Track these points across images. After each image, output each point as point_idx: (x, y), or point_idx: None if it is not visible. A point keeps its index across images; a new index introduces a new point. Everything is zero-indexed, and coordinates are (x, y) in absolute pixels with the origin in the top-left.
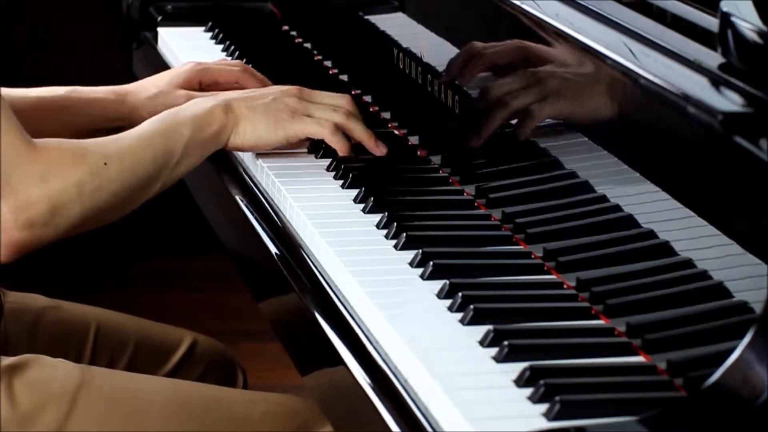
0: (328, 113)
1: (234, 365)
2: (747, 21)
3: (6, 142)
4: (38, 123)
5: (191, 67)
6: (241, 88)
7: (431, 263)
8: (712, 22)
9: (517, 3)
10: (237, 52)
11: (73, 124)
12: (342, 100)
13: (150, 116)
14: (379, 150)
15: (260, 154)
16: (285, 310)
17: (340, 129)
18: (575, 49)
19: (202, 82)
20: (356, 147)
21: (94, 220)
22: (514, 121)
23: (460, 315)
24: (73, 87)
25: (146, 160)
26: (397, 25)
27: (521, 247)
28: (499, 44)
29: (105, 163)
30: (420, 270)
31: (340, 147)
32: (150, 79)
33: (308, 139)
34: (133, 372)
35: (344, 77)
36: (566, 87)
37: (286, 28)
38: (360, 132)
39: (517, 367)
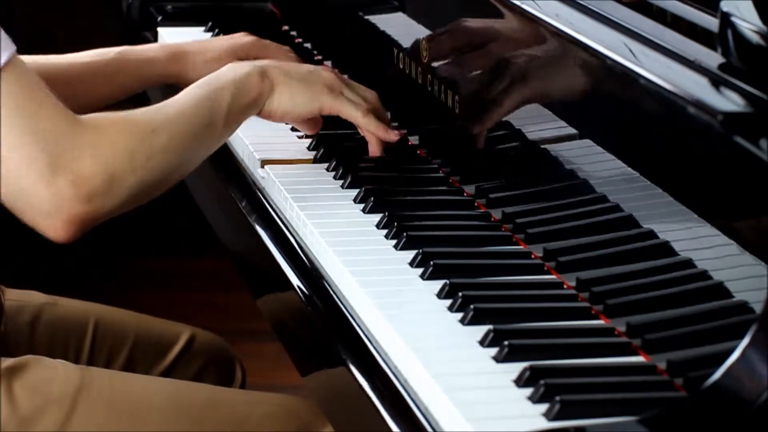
0: (361, 96)
1: (232, 360)
2: (747, 21)
3: (48, 119)
4: (92, 86)
5: (253, 40)
6: None
7: (431, 263)
8: (712, 22)
9: (517, 3)
10: None
11: (127, 85)
12: (372, 92)
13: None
14: (389, 136)
15: (261, 155)
16: (285, 310)
17: (371, 113)
18: (575, 49)
19: (257, 58)
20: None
21: (150, 190)
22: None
23: (460, 315)
24: (124, 47)
25: (191, 128)
26: (397, 25)
27: (521, 247)
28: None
29: (153, 130)
30: (420, 270)
31: (374, 128)
32: (207, 42)
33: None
34: (132, 367)
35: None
36: (566, 86)
37: (286, 28)
38: (387, 121)
39: (517, 367)
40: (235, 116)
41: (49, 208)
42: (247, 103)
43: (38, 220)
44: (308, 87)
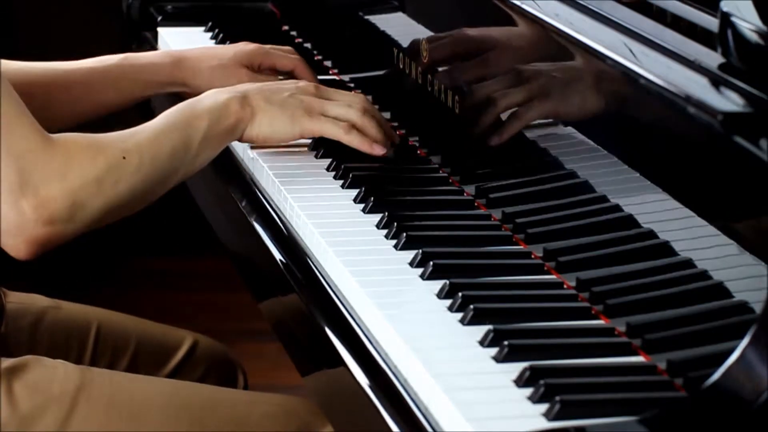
0: (343, 111)
1: (234, 366)
2: (747, 21)
3: (22, 137)
4: (94, 92)
5: (255, 48)
6: (293, 77)
7: (431, 263)
8: (712, 22)
9: (517, 3)
10: None
11: (129, 91)
12: (357, 98)
13: (207, 86)
14: (375, 150)
15: (261, 154)
16: (285, 310)
17: (354, 128)
18: (575, 49)
19: (261, 65)
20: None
21: (115, 214)
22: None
23: (460, 315)
24: (126, 54)
25: (164, 153)
26: (397, 25)
27: (521, 247)
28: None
29: (123, 157)
30: (420, 270)
31: (357, 145)
32: (210, 49)
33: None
34: (134, 373)
35: (344, 77)
36: (565, 87)
37: (285, 28)
38: (374, 132)
39: (517, 367)
40: (211, 143)
41: (11, 227)
42: (225, 130)
43: (1, 237)
44: (287, 112)
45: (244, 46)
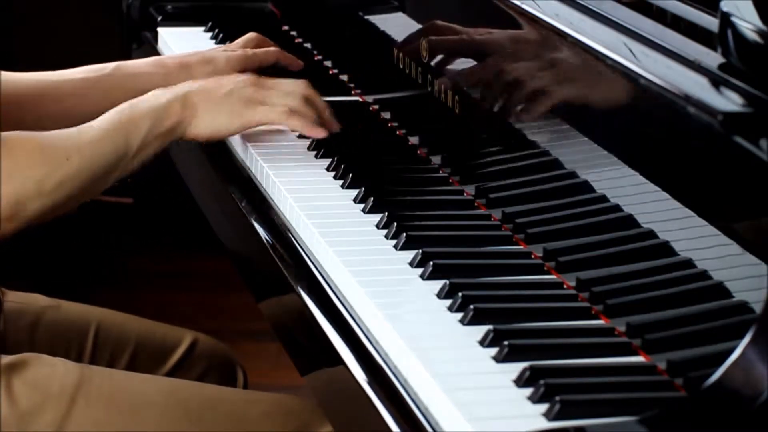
0: (282, 98)
1: (234, 365)
2: (747, 21)
3: None
4: (86, 103)
5: (241, 56)
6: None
7: (431, 263)
8: (712, 22)
9: (517, 3)
10: None
11: (122, 101)
12: (297, 85)
13: None
14: (315, 132)
15: (261, 154)
16: (285, 310)
17: (295, 112)
18: (575, 49)
19: (252, 68)
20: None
21: (54, 212)
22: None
23: (460, 315)
24: (118, 63)
25: (106, 154)
26: (397, 25)
27: (521, 247)
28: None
29: (67, 159)
30: (420, 270)
31: (298, 127)
32: (204, 56)
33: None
34: (133, 371)
35: (344, 77)
36: (566, 86)
37: (285, 28)
38: (311, 117)
39: (517, 367)
40: (151, 143)
41: None
42: (166, 130)
43: None
44: (227, 107)
45: (232, 53)
